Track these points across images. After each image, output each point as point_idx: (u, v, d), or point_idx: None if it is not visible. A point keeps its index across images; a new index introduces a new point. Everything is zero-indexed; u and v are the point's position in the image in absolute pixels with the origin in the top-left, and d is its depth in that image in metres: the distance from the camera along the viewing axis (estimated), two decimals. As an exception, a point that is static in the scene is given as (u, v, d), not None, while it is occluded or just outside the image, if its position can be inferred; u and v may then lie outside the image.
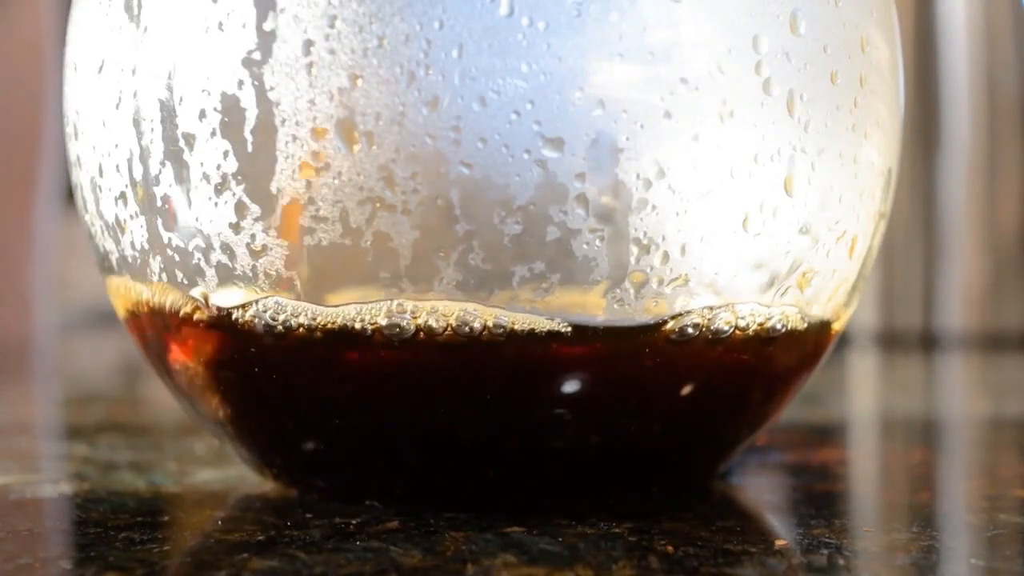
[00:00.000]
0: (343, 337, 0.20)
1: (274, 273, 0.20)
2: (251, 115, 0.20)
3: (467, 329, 0.20)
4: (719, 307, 0.21)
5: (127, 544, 0.19)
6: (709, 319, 0.21)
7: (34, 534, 0.21)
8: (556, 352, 0.20)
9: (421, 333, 0.20)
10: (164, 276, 0.22)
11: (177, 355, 0.23)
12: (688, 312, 0.20)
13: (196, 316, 0.21)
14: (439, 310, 0.20)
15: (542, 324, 0.20)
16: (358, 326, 0.20)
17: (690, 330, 0.20)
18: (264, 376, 0.21)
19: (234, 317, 0.21)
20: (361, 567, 0.17)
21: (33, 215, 0.94)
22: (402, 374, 0.20)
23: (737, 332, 0.21)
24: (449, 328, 0.20)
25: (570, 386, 0.20)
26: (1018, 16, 1.15)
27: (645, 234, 0.20)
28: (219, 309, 0.21)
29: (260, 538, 0.19)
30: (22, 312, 0.94)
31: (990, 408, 0.46)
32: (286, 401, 0.22)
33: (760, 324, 0.21)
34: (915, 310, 1.17)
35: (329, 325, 0.20)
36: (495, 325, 0.20)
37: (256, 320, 0.21)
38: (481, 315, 0.20)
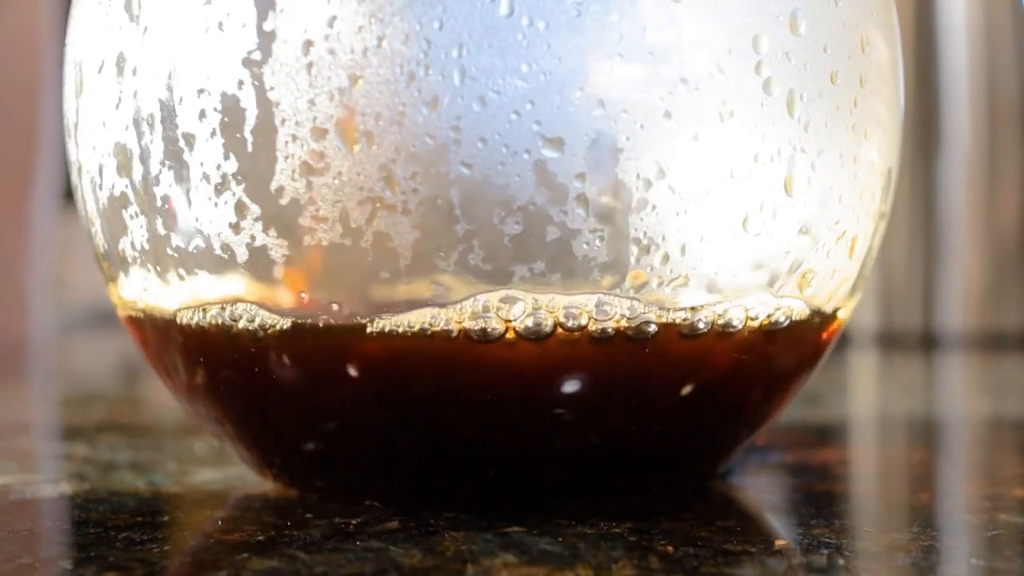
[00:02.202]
0: (343, 337, 0.20)
1: (274, 273, 0.20)
2: (251, 115, 0.20)
3: (470, 328, 0.20)
4: (719, 303, 0.21)
5: (127, 544, 0.19)
6: (709, 316, 0.21)
7: (34, 534, 0.21)
8: (554, 353, 0.20)
9: (422, 333, 0.20)
10: (164, 276, 0.22)
11: (177, 355, 0.23)
12: (688, 309, 0.20)
13: (196, 316, 0.21)
14: (439, 311, 0.20)
15: (544, 323, 0.20)
16: (358, 326, 0.20)
17: (690, 328, 0.20)
18: (264, 376, 0.21)
19: (234, 316, 0.21)
20: (361, 567, 0.17)
21: (30, 213, 0.94)
22: (402, 374, 0.20)
23: (737, 329, 0.21)
24: (451, 327, 0.20)
25: (570, 386, 0.20)
26: (1018, 16, 1.15)
27: (645, 234, 0.20)
28: (218, 309, 0.21)
29: (260, 538, 0.19)
30: (19, 311, 0.94)
31: (990, 408, 0.46)
32: (286, 401, 0.22)
33: (760, 322, 0.21)
34: (915, 310, 1.17)
35: (329, 325, 0.20)
36: (501, 325, 0.20)
37: (255, 320, 0.21)
38: (488, 314, 0.20)
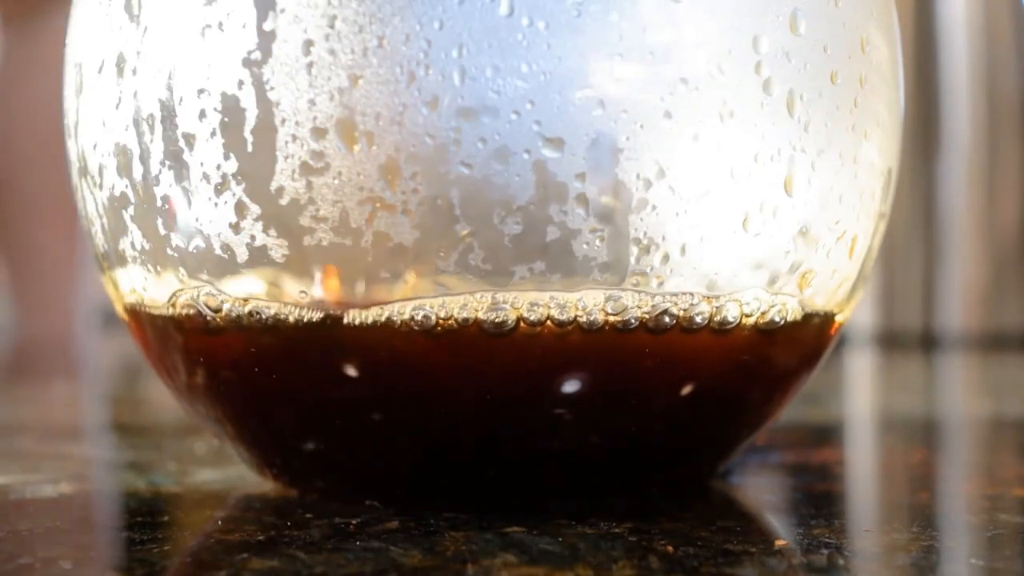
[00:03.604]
0: (343, 337, 0.20)
1: (273, 273, 0.20)
2: (251, 115, 0.20)
3: (469, 328, 0.20)
4: (719, 302, 0.21)
5: (127, 544, 0.19)
6: (709, 314, 0.21)
7: (34, 534, 0.21)
8: (556, 351, 0.20)
9: (422, 332, 0.20)
10: (164, 276, 0.22)
11: (177, 354, 0.23)
12: (687, 309, 0.20)
13: (196, 316, 0.21)
14: (440, 309, 0.20)
15: (544, 324, 0.20)
16: (359, 326, 0.20)
17: (689, 326, 0.20)
18: (264, 376, 0.21)
19: (233, 316, 0.21)
20: (361, 567, 0.17)
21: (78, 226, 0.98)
22: (402, 373, 0.20)
23: (737, 328, 0.21)
24: (451, 326, 0.20)
25: (570, 385, 0.20)
26: (1018, 16, 1.15)
27: (645, 234, 0.20)
28: (218, 309, 0.21)
29: (260, 538, 0.19)
30: (66, 317, 0.99)
31: (990, 408, 0.46)
32: (286, 401, 0.22)
33: (759, 321, 0.21)
34: (915, 310, 1.17)
35: (329, 325, 0.20)
36: (498, 323, 0.20)
37: (255, 320, 0.21)
38: (484, 313, 0.20)
